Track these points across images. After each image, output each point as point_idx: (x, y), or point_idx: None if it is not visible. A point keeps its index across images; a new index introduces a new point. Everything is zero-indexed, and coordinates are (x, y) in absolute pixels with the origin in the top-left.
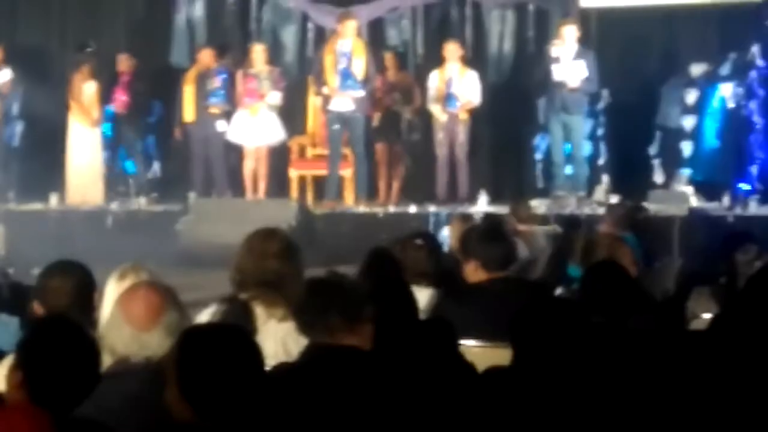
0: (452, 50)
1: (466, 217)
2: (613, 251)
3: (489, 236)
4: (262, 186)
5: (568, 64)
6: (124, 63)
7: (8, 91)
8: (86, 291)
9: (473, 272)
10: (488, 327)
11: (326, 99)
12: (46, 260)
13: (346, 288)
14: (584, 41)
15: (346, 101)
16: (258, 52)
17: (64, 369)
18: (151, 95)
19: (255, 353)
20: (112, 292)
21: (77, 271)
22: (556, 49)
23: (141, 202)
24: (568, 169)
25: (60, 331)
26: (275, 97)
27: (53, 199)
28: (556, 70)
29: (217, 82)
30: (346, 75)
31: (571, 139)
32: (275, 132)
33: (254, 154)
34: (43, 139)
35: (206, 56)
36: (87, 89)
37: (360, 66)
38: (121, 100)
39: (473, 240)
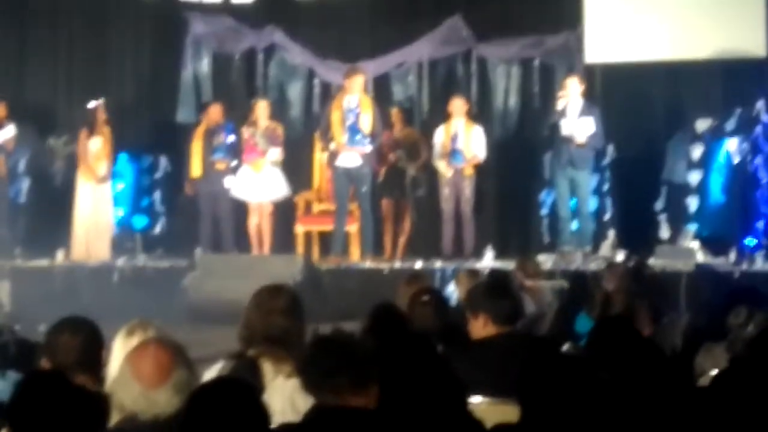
0: (458, 105)
1: (474, 273)
2: (629, 307)
3: (497, 291)
4: (267, 242)
5: (575, 119)
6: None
7: (12, 148)
8: (94, 347)
9: (481, 327)
10: (496, 383)
11: (333, 155)
12: (53, 317)
13: (355, 349)
14: (589, 97)
15: (353, 157)
16: (261, 108)
17: (54, 427)
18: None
19: (261, 413)
20: (119, 349)
21: (85, 327)
22: (562, 101)
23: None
24: (574, 224)
25: (49, 388)
26: (275, 154)
27: (59, 256)
28: (564, 125)
29: (223, 137)
30: (354, 131)
31: (578, 195)
32: (279, 188)
33: (258, 210)
34: (50, 196)
35: (214, 112)
36: (92, 145)
37: (367, 121)
38: None
39: (481, 295)
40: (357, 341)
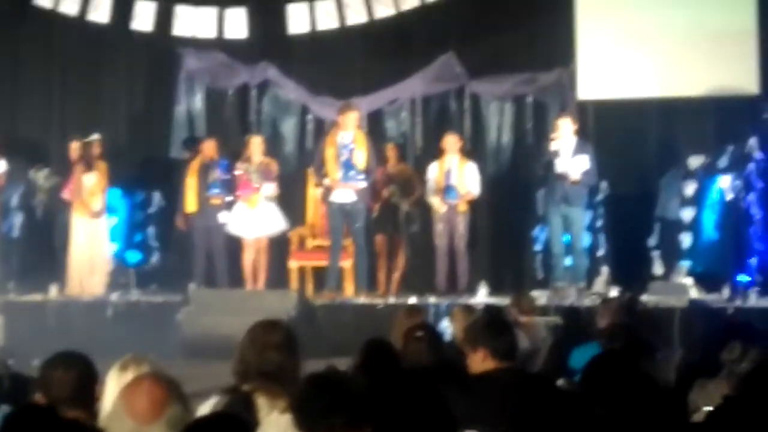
0: (451, 142)
1: (469, 309)
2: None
3: (497, 326)
4: (261, 277)
5: (569, 157)
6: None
7: (4, 183)
8: (88, 382)
9: (480, 362)
10: (490, 418)
11: (328, 190)
12: (46, 351)
13: (349, 389)
14: (582, 134)
15: (348, 193)
16: (255, 144)
17: None
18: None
19: None
20: (113, 384)
21: (79, 362)
22: (555, 143)
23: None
24: (568, 261)
25: (39, 422)
26: (269, 189)
27: (53, 290)
28: (558, 163)
29: (218, 173)
30: (348, 166)
31: (571, 231)
32: (275, 222)
33: (254, 246)
34: (43, 230)
35: (209, 147)
36: (87, 181)
37: (362, 157)
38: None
39: (481, 329)
40: (351, 380)
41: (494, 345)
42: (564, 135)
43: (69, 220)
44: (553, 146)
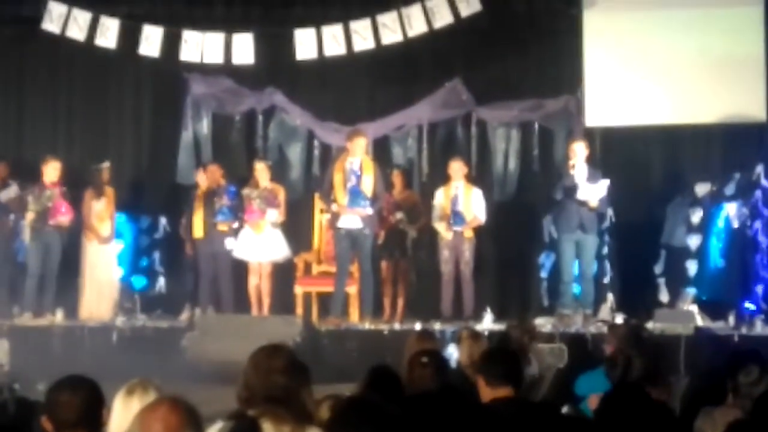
0: (457, 168)
1: (477, 335)
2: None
3: (505, 354)
4: (266, 302)
5: (585, 182)
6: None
7: (15, 207)
8: (95, 406)
9: (483, 389)
10: None
11: (335, 216)
12: (52, 376)
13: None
14: (589, 160)
15: (355, 219)
16: (260, 170)
17: None
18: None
19: None
20: (120, 408)
21: (86, 386)
22: (575, 167)
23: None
24: (576, 288)
25: None
26: (273, 215)
27: (59, 315)
28: (579, 190)
29: (225, 199)
30: (356, 193)
31: (583, 257)
32: (279, 249)
33: (258, 271)
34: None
35: (215, 173)
36: (96, 206)
37: (369, 184)
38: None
39: (489, 358)
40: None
41: (490, 373)
42: (579, 159)
43: (80, 246)
44: (573, 171)
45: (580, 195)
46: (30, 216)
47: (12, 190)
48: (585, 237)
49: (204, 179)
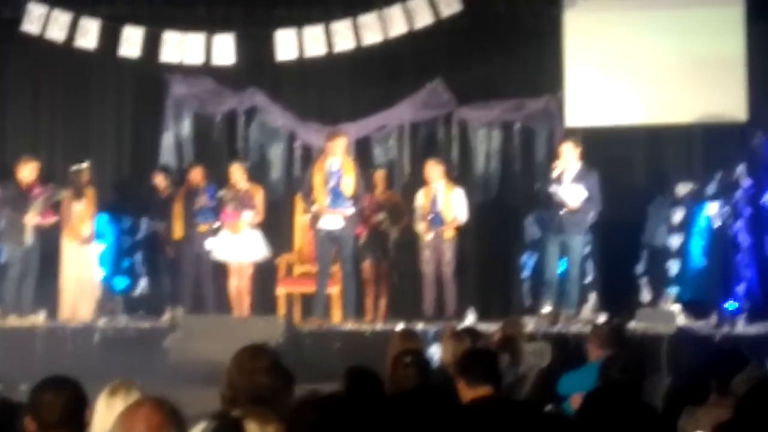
0: (438, 169)
1: (459, 335)
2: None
3: (482, 354)
4: (245, 303)
5: (569, 184)
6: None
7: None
8: (78, 406)
9: (468, 389)
10: None
11: (316, 217)
12: (34, 377)
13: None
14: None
15: (336, 219)
16: (236, 170)
17: None
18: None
19: None
20: (102, 409)
21: (69, 386)
22: (557, 170)
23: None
24: (558, 288)
25: None
26: (248, 217)
27: (41, 316)
28: (557, 191)
29: (205, 200)
30: (337, 193)
31: (569, 258)
32: (257, 249)
33: (238, 272)
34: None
35: (196, 174)
36: (76, 207)
37: (350, 184)
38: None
39: (467, 358)
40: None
41: (469, 373)
42: (567, 160)
43: (59, 247)
44: (555, 173)
45: (558, 196)
46: (32, 217)
47: None
48: (568, 237)
49: (162, 181)
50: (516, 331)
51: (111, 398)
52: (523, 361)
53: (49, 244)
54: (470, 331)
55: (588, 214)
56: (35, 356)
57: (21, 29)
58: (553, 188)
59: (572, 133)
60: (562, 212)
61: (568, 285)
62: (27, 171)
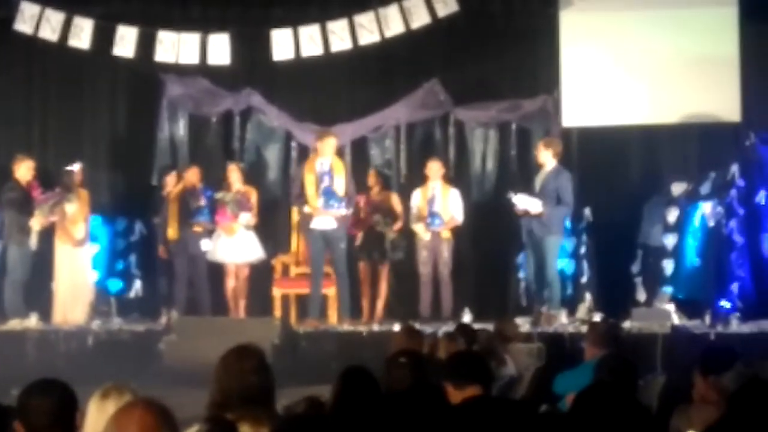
0: (435, 169)
1: (452, 336)
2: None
3: (453, 356)
4: (241, 304)
5: (537, 190)
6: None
7: None
8: (68, 410)
9: (457, 392)
10: None
11: (307, 218)
12: (26, 380)
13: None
14: (566, 160)
15: (328, 220)
16: (232, 171)
17: None
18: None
19: None
20: (94, 412)
21: (59, 389)
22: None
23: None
24: (554, 287)
25: None
26: (245, 218)
27: (33, 319)
28: (513, 199)
29: (201, 201)
30: (329, 193)
31: (546, 259)
32: (253, 250)
33: (234, 273)
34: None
35: (191, 175)
36: (69, 209)
37: (341, 184)
38: None
39: (457, 361)
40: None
41: (455, 375)
42: (543, 161)
43: (52, 249)
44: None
45: (519, 206)
46: (39, 221)
47: None
48: (541, 239)
49: (173, 182)
50: (505, 333)
51: (103, 401)
52: (517, 361)
53: (41, 246)
54: (465, 330)
55: (559, 214)
56: (28, 360)
57: (14, 29)
58: (510, 196)
59: (567, 133)
60: (527, 218)
61: (548, 286)
62: (24, 170)
